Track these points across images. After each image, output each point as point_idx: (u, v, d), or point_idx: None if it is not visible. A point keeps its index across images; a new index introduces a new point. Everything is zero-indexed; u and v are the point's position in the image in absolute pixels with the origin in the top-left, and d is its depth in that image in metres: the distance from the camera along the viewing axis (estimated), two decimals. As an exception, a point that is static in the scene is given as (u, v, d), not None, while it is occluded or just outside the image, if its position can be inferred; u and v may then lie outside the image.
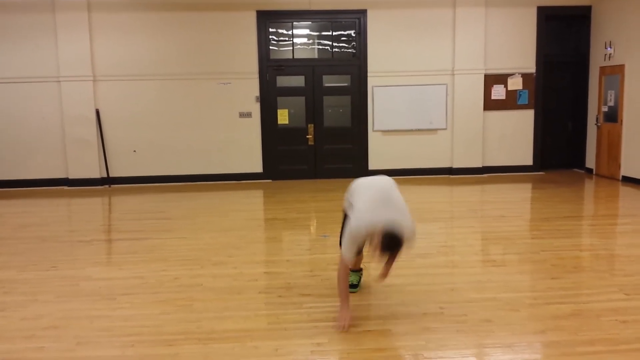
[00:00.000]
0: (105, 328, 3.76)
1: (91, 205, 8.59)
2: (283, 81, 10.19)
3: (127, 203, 8.72)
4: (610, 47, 9.70)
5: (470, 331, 3.60)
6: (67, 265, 5.28)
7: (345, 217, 3.96)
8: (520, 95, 10.41)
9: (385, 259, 3.69)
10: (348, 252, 3.62)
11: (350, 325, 3.65)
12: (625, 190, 8.74)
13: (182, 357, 3.30)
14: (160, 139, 10.03)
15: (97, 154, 9.90)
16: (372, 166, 10.29)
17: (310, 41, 10.41)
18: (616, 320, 3.70)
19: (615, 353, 3.23)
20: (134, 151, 10.00)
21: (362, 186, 3.91)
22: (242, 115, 10.08)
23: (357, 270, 4.45)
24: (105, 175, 9.99)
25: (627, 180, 9.31)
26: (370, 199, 3.68)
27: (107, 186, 9.94)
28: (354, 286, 4.33)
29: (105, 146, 9.95)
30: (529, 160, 10.56)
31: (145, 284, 4.67)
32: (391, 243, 3.38)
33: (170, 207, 8.03)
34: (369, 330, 3.65)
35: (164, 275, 4.86)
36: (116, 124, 9.94)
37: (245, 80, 10.00)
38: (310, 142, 10.32)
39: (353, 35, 10.19)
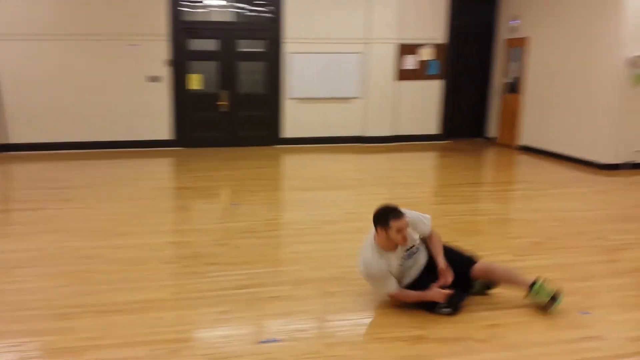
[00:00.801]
0: (-4, 303, 3.57)
1: (-15, 174, 8.03)
2: (195, 45, 9.85)
3: (25, 171, 8.20)
4: (516, 21, 10.14)
5: (370, 293, 3.73)
6: (-46, 238, 4.94)
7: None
8: (430, 65, 10.70)
9: (406, 224, 3.39)
10: (388, 290, 3.47)
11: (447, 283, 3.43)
12: (522, 158, 9.30)
13: (77, 330, 3.20)
14: (63, 104, 9.45)
15: (-8, 119, 9.21)
16: (286, 134, 10.28)
17: (225, 3, 10.09)
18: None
19: (500, 310, 3.48)
20: (34, 117, 9.37)
21: None
22: (151, 79, 9.68)
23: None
24: (3, 141, 9.32)
25: (524, 148, 9.90)
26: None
27: (1, 153, 9.29)
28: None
29: (2, 110, 9.25)
30: (436, 129, 10.95)
31: (43, 256, 4.46)
32: (381, 213, 3.42)
33: (72, 176, 7.65)
34: (273, 297, 3.70)
35: (63, 247, 4.65)
36: (14, 87, 9.23)
37: (155, 42, 9.58)
38: (225, 109, 10.12)
39: (268, -1, 10.00)
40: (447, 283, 3.43)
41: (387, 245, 3.44)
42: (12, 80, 9.20)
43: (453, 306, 3.41)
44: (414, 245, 3.53)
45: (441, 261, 3.51)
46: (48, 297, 3.65)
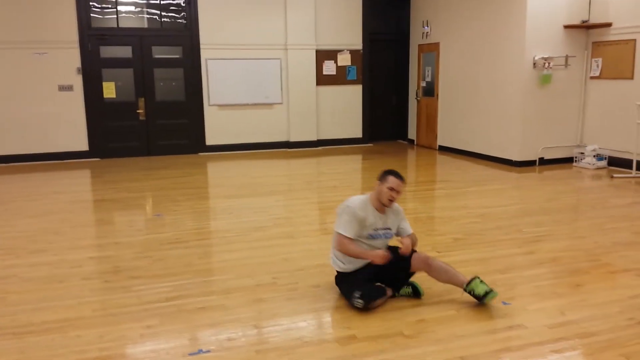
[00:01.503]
0: None
1: None
2: (108, 52, 9.51)
3: None
4: (427, 27, 10.53)
5: (300, 297, 3.74)
6: None
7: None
8: (349, 71, 10.90)
9: (400, 189, 3.62)
10: (345, 230, 3.56)
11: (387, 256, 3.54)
12: (441, 158, 9.66)
13: (-10, 356, 2.99)
14: (-36, 116, 8.83)
15: None
16: (209, 142, 10.12)
17: (138, 9, 9.81)
18: (426, 276, 4.07)
19: (426, 305, 3.58)
20: None
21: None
22: (62, 88, 9.22)
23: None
24: None
25: (443, 149, 10.30)
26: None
27: None
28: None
29: None
30: (359, 133, 11.16)
31: (-54, 279, 4.12)
32: (390, 170, 3.68)
33: (-22, 192, 7.14)
34: (202, 307, 3.61)
35: (-31, 269, 4.33)
36: None
37: (64, 50, 9.15)
38: (142, 117, 9.81)
39: (183, 4, 9.81)
40: (405, 253, 3.60)
41: (376, 204, 3.65)
42: None
43: (366, 299, 3.46)
44: (390, 229, 3.72)
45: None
46: (-45, 324, 3.38)
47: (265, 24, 10.17)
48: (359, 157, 10.08)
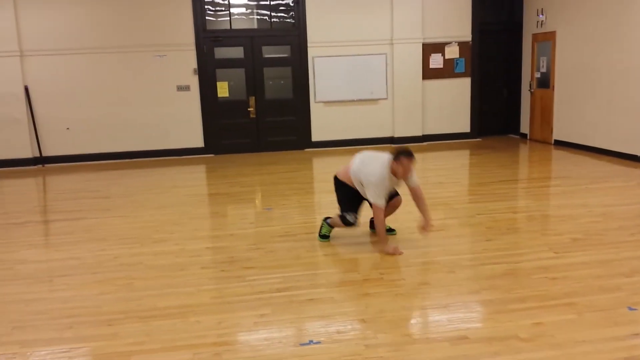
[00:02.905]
0: (42, 311, 3.65)
1: (24, 187, 8.24)
2: (221, 53, 9.98)
3: (62, 183, 8.41)
4: (542, 14, 9.98)
5: (408, 294, 3.71)
6: (1, 248, 5.07)
7: (340, 185, 4.80)
8: (457, 63, 10.60)
9: (412, 166, 4.40)
10: (379, 198, 4.41)
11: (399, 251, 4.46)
12: (557, 154, 9.13)
13: (122, 336, 3.25)
14: (95, 115, 9.67)
15: (28, 133, 9.46)
16: (315, 138, 10.31)
17: (248, 11, 10.19)
18: (546, 277, 3.89)
19: (544, 308, 3.41)
20: (67, 129, 9.61)
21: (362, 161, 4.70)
22: (180, 88, 9.83)
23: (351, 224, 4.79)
24: (37, 154, 9.57)
25: (559, 143, 9.72)
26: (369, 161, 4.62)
27: (40, 166, 9.54)
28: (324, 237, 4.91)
29: (36, 124, 9.51)
30: (466, 128, 10.83)
31: (83, 264, 4.55)
32: (403, 150, 4.37)
33: (108, 186, 7.80)
34: (311, 299, 3.70)
35: (102, 255, 4.74)
36: (47, 100, 9.49)
37: (182, 52, 9.73)
38: (252, 115, 10.20)
39: (292, 4, 10.06)
40: (426, 231, 4.64)
41: (397, 174, 4.41)
42: (43, 94, 9.47)
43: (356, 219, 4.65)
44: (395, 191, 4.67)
45: (425, 215, 4.63)
46: (92, 305, 3.72)
47: (371, 20, 10.15)
48: (466, 153, 9.78)
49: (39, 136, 9.52)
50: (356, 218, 4.70)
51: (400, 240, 5.00)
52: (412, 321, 3.40)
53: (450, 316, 3.39)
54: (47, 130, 9.57)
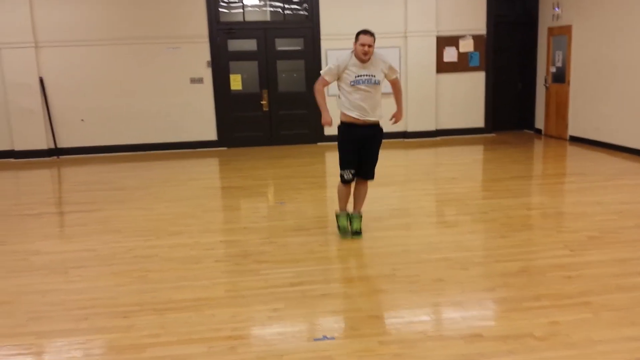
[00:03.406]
0: (58, 302, 3.69)
1: (39, 178, 8.32)
2: (235, 45, 9.97)
3: (77, 174, 8.47)
4: (558, 8, 9.86)
5: (422, 290, 3.70)
6: (15, 239, 5.13)
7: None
8: (471, 57, 10.51)
9: (369, 45, 4.48)
10: (327, 74, 4.66)
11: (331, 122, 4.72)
12: (572, 150, 9.05)
13: (137, 328, 3.28)
14: (110, 107, 9.72)
15: (43, 124, 9.53)
16: (327, 131, 10.27)
17: (262, 3, 10.17)
18: (561, 275, 3.87)
19: (559, 307, 3.39)
20: (82, 120, 9.67)
21: None
22: (194, 80, 9.84)
23: (351, 214, 4.97)
24: (52, 146, 9.64)
25: (575, 139, 9.63)
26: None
27: (55, 157, 9.62)
28: (343, 230, 4.91)
29: (51, 116, 9.58)
30: (481, 122, 10.76)
31: (98, 256, 4.59)
32: (360, 31, 4.52)
33: (122, 178, 7.85)
34: (324, 294, 3.70)
35: (117, 247, 4.78)
36: (62, 92, 9.55)
37: (195, 44, 9.73)
38: (265, 108, 10.19)
39: (305, -3, 10.02)
40: (396, 120, 5.09)
41: (358, 55, 4.52)
42: (58, 86, 9.53)
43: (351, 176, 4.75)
44: (374, 76, 4.58)
45: (399, 105, 5.10)
46: (107, 296, 3.76)
47: (384, 12, 10.08)
48: (480, 148, 9.72)
49: (53, 127, 9.60)
50: (352, 175, 4.77)
51: (413, 235, 5.00)
52: (426, 318, 3.39)
53: (464, 314, 3.38)
54: (62, 121, 9.64)
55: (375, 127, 4.83)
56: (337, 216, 4.97)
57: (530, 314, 3.30)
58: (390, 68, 4.72)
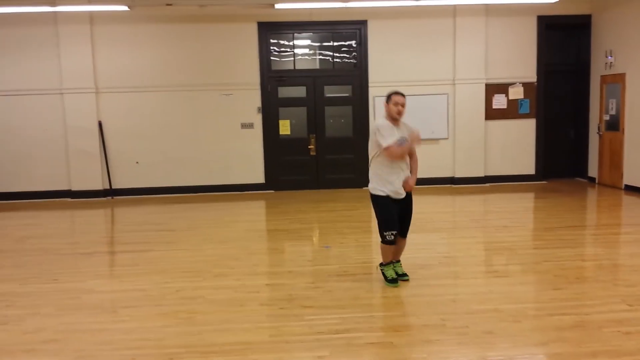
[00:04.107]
0: (107, 341, 3.75)
1: (93, 217, 8.61)
2: (284, 92, 10.23)
3: (129, 215, 8.73)
4: (611, 56, 9.71)
5: (471, 343, 3.58)
6: (68, 277, 5.28)
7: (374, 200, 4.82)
8: (521, 104, 10.41)
9: (402, 104, 4.68)
10: (385, 140, 4.54)
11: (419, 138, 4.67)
12: (628, 199, 8.72)
13: (183, 370, 3.29)
14: (163, 150, 10.06)
15: (100, 166, 9.93)
16: (374, 176, 10.28)
17: (312, 52, 10.44)
18: (619, 331, 3.68)
19: (617, 365, 3.21)
20: (137, 162, 10.03)
21: None
22: (244, 126, 10.11)
23: (393, 262, 4.92)
24: (107, 186, 10.01)
25: (630, 189, 9.28)
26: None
27: (109, 198, 9.96)
28: (394, 280, 4.79)
29: (107, 158, 9.98)
30: (531, 170, 10.54)
31: (147, 296, 4.67)
32: (391, 92, 4.75)
33: (172, 219, 8.04)
34: (370, 343, 3.63)
35: (165, 288, 4.85)
36: (118, 135, 9.98)
37: (247, 91, 10.04)
38: (312, 153, 10.33)
39: (354, 45, 10.23)
40: (409, 188, 4.75)
41: (391, 115, 4.66)
42: (115, 129, 9.95)
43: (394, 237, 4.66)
44: (406, 138, 4.62)
45: (414, 175, 4.84)
46: (155, 337, 3.80)
47: (433, 60, 10.17)
48: (531, 195, 9.49)
49: (109, 169, 9.98)
50: (394, 235, 4.69)
51: (462, 284, 4.87)
52: (476, 372, 3.27)
53: (517, 368, 3.24)
54: (117, 163, 10.03)
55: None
56: (384, 268, 4.88)
57: None
58: (412, 134, 4.71)
